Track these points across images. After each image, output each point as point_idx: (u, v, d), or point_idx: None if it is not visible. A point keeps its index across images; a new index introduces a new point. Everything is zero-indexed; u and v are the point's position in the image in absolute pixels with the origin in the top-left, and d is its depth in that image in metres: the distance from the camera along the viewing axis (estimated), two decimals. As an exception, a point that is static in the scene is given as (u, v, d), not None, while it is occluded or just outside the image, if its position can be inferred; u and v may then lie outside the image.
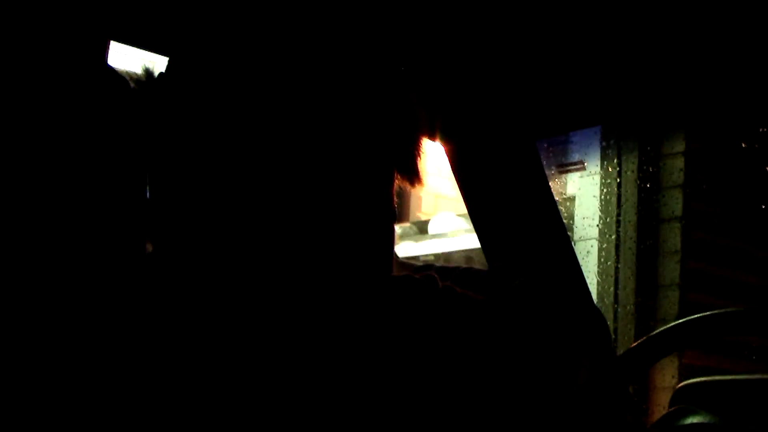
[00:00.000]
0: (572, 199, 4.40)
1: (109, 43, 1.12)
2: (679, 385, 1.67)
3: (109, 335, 0.78)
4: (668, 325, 1.54)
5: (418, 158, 0.90)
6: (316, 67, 0.84)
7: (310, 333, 0.81)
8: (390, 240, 0.89)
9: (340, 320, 0.82)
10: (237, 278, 0.81)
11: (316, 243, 0.82)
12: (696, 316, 1.50)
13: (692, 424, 1.43)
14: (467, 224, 5.55)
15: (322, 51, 0.85)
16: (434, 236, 6.18)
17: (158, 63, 0.89)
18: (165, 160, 0.84)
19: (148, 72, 0.88)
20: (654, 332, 1.57)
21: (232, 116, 0.82)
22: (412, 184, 0.91)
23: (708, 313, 1.50)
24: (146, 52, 1.27)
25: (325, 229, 0.82)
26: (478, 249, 1.80)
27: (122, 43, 1.27)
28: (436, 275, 0.90)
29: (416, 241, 6.13)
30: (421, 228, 6.39)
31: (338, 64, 0.85)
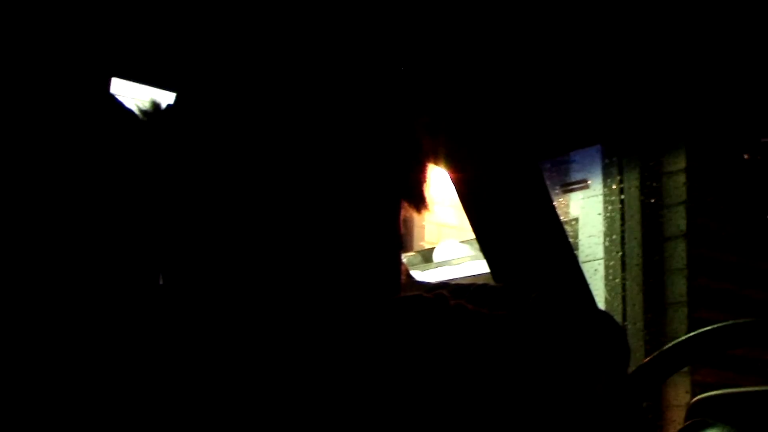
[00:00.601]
0: (577, 218, 4.41)
1: (111, 78, 1.14)
2: (694, 399, 1.67)
3: (125, 356, 0.79)
4: (679, 339, 1.54)
5: (424, 184, 0.90)
6: (322, 100, 0.85)
7: (317, 355, 0.81)
8: (396, 265, 0.89)
9: (347, 343, 0.83)
10: (246, 304, 0.82)
11: (323, 269, 0.82)
12: (706, 328, 1.50)
13: (709, 437, 1.42)
14: (471, 251, 5.55)
15: (328, 84, 0.86)
16: (439, 264, 6.18)
17: (164, 97, 0.90)
18: (174, 189, 0.85)
19: (155, 105, 0.89)
20: (665, 347, 1.57)
21: (240, 146, 0.82)
22: (419, 210, 0.91)
23: (718, 325, 1.49)
24: (150, 87, 1.29)
25: (332, 256, 0.82)
26: (484, 275, 1.80)
27: (127, 79, 1.28)
28: (447, 293, 0.90)
29: (422, 269, 6.13)
30: (426, 257, 6.39)
31: (344, 96, 0.86)
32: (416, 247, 6.89)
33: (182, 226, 0.85)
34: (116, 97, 0.91)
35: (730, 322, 1.48)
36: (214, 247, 0.83)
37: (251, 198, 0.82)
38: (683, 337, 1.55)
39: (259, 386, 0.79)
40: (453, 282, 1.12)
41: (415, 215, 0.91)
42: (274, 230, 0.81)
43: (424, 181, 0.90)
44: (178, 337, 0.81)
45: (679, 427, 1.55)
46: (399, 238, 0.89)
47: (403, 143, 0.88)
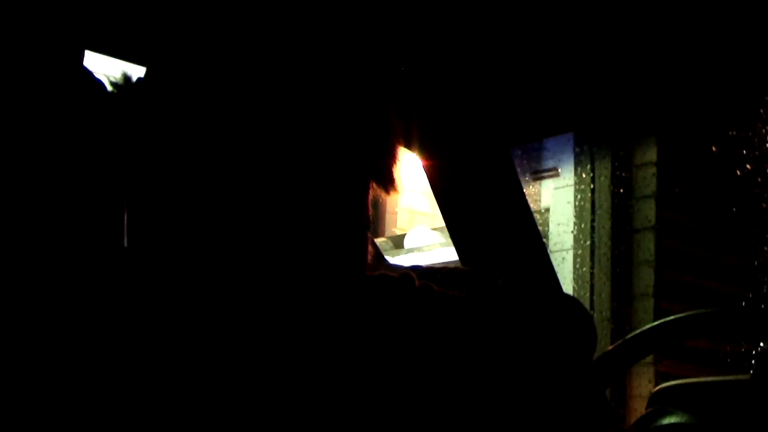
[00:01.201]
0: (547, 207, 4.42)
1: (84, 50, 1.13)
2: (656, 388, 1.69)
3: (86, 332, 0.78)
4: (643, 328, 1.56)
5: (394, 166, 0.91)
6: (292, 77, 0.85)
7: (280, 331, 0.82)
8: (362, 244, 0.90)
9: (310, 318, 0.83)
10: (210, 280, 0.82)
11: (288, 245, 0.82)
12: (668, 318, 1.52)
13: (669, 425, 1.44)
14: (442, 238, 5.56)
15: (298, 63, 0.86)
16: (410, 250, 6.19)
17: (135, 71, 0.90)
18: (142, 161, 0.85)
19: (126, 77, 0.88)
20: (628, 336, 1.58)
21: (210, 122, 0.83)
22: (387, 191, 0.91)
23: (681, 314, 1.51)
24: (122, 61, 1.28)
25: (298, 232, 0.83)
26: (454, 262, 1.81)
27: (99, 52, 1.27)
28: (413, 274, 0.91)
29: (392, 255, 6.13)
30: (397, 243, 6.39)
31: (315, 75, 0.86)
32: (387, 233, 6.89)
33: (147, 197, 0.85)
34: (88, 68, 0.91)
35: (692, 312, 1.50)
36: (178, 220, 0.83)
37: (218, 172, 0.82)
38: (646, 327, 1.57)
39: (218, 363, 0.79)
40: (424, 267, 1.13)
41: (385, 198, 0.92)
42: (238, 205, 0.82)
43: (394, 163, 0.91)
44: (141, 309, 0.81)
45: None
46: (366, 218, 0.89)
47: (374, 124, 0.88)
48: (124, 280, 0.83)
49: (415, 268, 1.04)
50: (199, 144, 0.82)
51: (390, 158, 0.90)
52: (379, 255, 1.09)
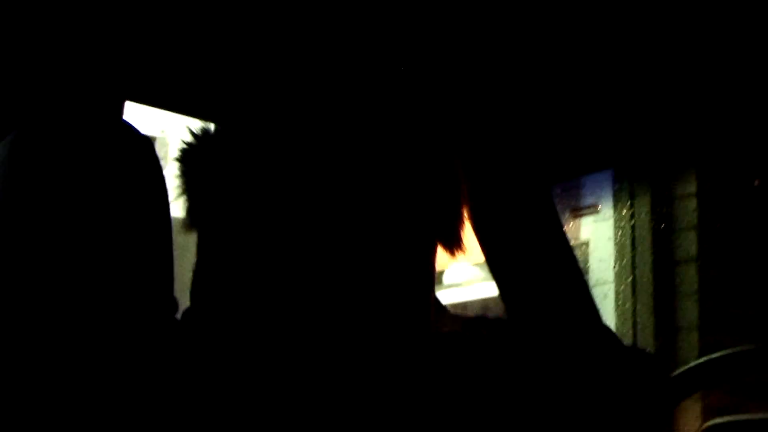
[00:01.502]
0: (587, 242, 4.39)
1: (124, 101, 1.15)
2: (705, 425, 1.66)
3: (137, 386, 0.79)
4: (691, 364, 1.54)
5: (461, 227, 0.91)
6: (365, 138, 0.85)
7: (347, 390, 0.81)
8: (428, 305, 0.89)
9: (377, 379, 0.83)
10: (278, 338, 0.82)
11: (355, 306, 0.82)
12: (719, 353, 1.50)
13: (722, 464, 1.42)
14: (482, 273, 5.53)
15: (371, 122, 0.86)
16: (450, 286, 6.16)
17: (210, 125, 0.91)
18: (217, 213, 0.85)
19: (205, 130, 0.89)
20: (677, 371, 1.56)
21: (280, 179, 0.83)
22: (453, 252, 0.91)
23: (730, 350, 1.49)
24: (165, 111, 1.30)
25: (365, 294, 0.83)
26: (494, 298, 1.80)
27: (139, 102, 1.29)
28: (481, 328, 0.90)
29: (431, 292, 6.10)
30: (437, 278, 6.38)
31: (386, 135, 0.86)
32: (426, 270, 6.86)
33: (216, 250, 0.85)
34: (131, 123, 0.92)
35: (742, 348, 1.47)
36: (243, 274, 0.83)
37: (289, 232, 0.82)
38: (696, 362, 1.55)
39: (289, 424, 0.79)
40: (460, 305, 1.13)
41: (449, 256, 0.91)
42: (307, 265, 0.82)
43: (461, 224, 0.90)
44: (195, 356, 0.81)
45: (690, 452, 1.54)
46: (433, 279, 0.89)
47: (442, 185, 0.88)
48: (182, 337, 0.83)
49: (480, 320, 1.03)
50: (270, 199, 0.83)
51: (457, 219, 0.90)
52: (440, 307, 1.09)
